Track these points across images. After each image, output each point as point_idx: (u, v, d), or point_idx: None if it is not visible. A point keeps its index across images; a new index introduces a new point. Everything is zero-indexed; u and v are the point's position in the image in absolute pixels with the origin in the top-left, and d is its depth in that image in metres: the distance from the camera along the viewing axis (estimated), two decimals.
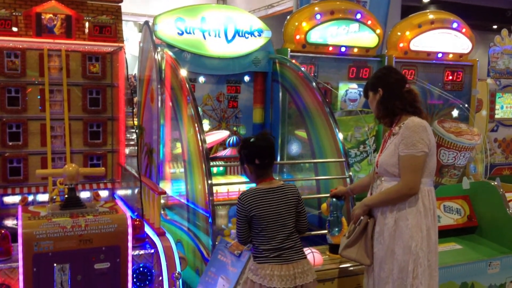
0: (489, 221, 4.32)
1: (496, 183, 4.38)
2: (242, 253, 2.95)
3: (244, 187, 2.86)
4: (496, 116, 6.64)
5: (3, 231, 2.90)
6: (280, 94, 5.05)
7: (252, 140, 2.89)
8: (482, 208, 4.38)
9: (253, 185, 2.90)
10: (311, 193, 4.62)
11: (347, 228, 3.22)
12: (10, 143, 4.37)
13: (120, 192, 4.67)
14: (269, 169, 2.87)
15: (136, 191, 3.99)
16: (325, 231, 3.61)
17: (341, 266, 3.37)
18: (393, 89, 2.95)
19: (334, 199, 3.46)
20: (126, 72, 4.44)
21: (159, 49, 4.37)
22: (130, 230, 2.76)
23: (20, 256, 2.53)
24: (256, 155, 2.80)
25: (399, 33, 5.84)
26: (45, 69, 4.38)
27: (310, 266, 2.84)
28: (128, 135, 4.90)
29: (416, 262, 2.79)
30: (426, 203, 2.84)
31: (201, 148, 3.61)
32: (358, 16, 5.39)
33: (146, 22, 4.69)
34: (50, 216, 2.66)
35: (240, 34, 4.92)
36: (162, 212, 3.99)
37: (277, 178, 4.99)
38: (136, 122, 4.94)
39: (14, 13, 4.27)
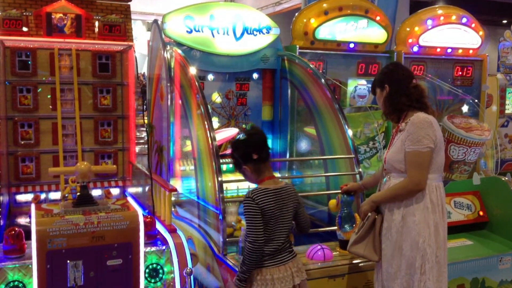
0: (500, 217, 4.30)
1: (507, 178, 4.36)
2: None
3: (253, 185, 2.85)
4: (507, 112, 6.60)
5: (16, 229, 2.93)
6: (289, 91, 5.05)
7: (242, 138, 2.81)
8: (492, 204, 4.36)
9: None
10: (320, 190, 4.63)
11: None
12: (22, 142, 4.42)
13: (131, 190, 4.70)
14: (268, 164, 2.79)
15: (147, 188, 4.02)
16: (335, 228, 3.62)
17: (351, 262, 3.38)
18: (400, 85, 2.95)
19: (344, 195, 3.47)
20: (136, 71, 4.47)
21: (168, 47, 4.38)
22: (141, 227, 2.78)
23: (34, 253, 2.56)
24: (252, 151, 2.72)
25: (408, 29, 5.82)
26: (56, 69, 4.42)
27: (302, 263, 2.85)
28: (138, 133, 4.93)
29: (424, 258, 2.78)
30: (433, 199, 2.84)
31: (210, 145, 3.63)
32: (367, 12, 5.37)
33: (155, 21, 4.71)
34: (63, 214, 2.69)
35: (249, 32, 4.92)
36: (173, 209, 4.01)
37: (286, 175, 5.08)
38: (146, 120, 4.97)
39: (24, 13, 4.31)
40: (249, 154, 2.74)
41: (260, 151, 2.74)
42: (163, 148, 4.45)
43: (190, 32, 4.69)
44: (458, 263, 3.72)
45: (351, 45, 5.38)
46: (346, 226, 3.51)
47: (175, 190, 3.59)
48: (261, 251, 2.67)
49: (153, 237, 3.20)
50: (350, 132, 4.17)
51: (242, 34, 4.89)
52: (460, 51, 6.03)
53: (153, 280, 3.06)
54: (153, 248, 3.10)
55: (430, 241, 2.80)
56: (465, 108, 6.06)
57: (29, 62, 4.39)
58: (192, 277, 3.07)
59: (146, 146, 4.81)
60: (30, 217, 2.80)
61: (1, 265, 2.76)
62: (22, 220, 4.25)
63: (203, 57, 4.80)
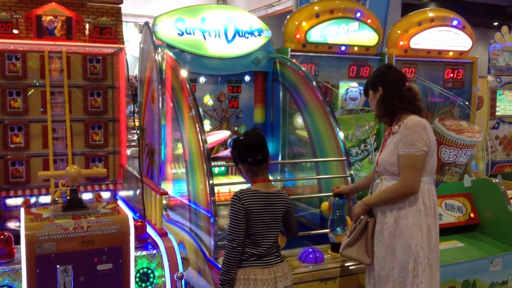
0: (490, 219, 4.33)
1: (497, 180, 4.39)
2: None
3: (245, 187, 2.85)
4: (497, 114, 6.63)
5: (6, 233, 2.90)
6: (281, 93, 5.05)
7: (241, 138, 2.84)
8: (483, 206, 4.38)
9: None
10: (312, 192, 4.63)
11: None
12: (12, 146, 4.39)
13: (122, 193, 4.68)
14: (264, 167, 2.80)
15: (138, 192, 4.00)
16: (327, 230, 3.62)
17: (343, 265, 3.38)
18: (393, 87, 2.95)
19: (336, 198, 3.47)
20: (126, 73, 4.46)
21: (159, 49, 4.37)
22: (132, 231, 2.77)
23: (23, 258, 2.54)
24: (248, 153, 2.75)
25: (399, 31, 5.83)
26: (46, 71, 4.39)
27: (288, 269, 2.84)
28: (130, 136, 4.91)
29: (416, 261, 2.79)
30: (426, 201, 2.84)
31: (202, 148, 3.62)
32: (358, 14, 5.38)
33: (146, 23, 4.70)
34: (52, 218, 2.67)
35: (240, 34, 4.92)
36: (164, 212, 3.99)
37: (278, 177, 5.07)
38: (137, 123, 4.95)
39: (14, 16, 4.29)
40: (244, 155, 2.77)
41: (254, 155, 2.75)
42: (154, 151, 4.44)
43: (182, 34, 4.68)
44: (449, 265, 3.73)
45: (343, 48, 5.39)
46: (338, 229, 3.52)
47: (166, 193, 3.57)
48: (240, 251, 2.68)
49: (143, 241, 3.18)
50: (341, 135, 4.18)
51: (234, 36, 4.89)
52: (451, 53, 6.06)
53: (143, 285, 3.04)
54: (144, 252, 3.08)
55: (422, 244, 2.80)
56: (456, 110, 6.08)
57: (19, 65, 4.36)
58: (183, 281, 3.06)
59: (137, 149, 4.79)
60: (20, 221, 2.77)
61: None
62: (12, 224, 4.22)
63: (194, 59, 4.79)
